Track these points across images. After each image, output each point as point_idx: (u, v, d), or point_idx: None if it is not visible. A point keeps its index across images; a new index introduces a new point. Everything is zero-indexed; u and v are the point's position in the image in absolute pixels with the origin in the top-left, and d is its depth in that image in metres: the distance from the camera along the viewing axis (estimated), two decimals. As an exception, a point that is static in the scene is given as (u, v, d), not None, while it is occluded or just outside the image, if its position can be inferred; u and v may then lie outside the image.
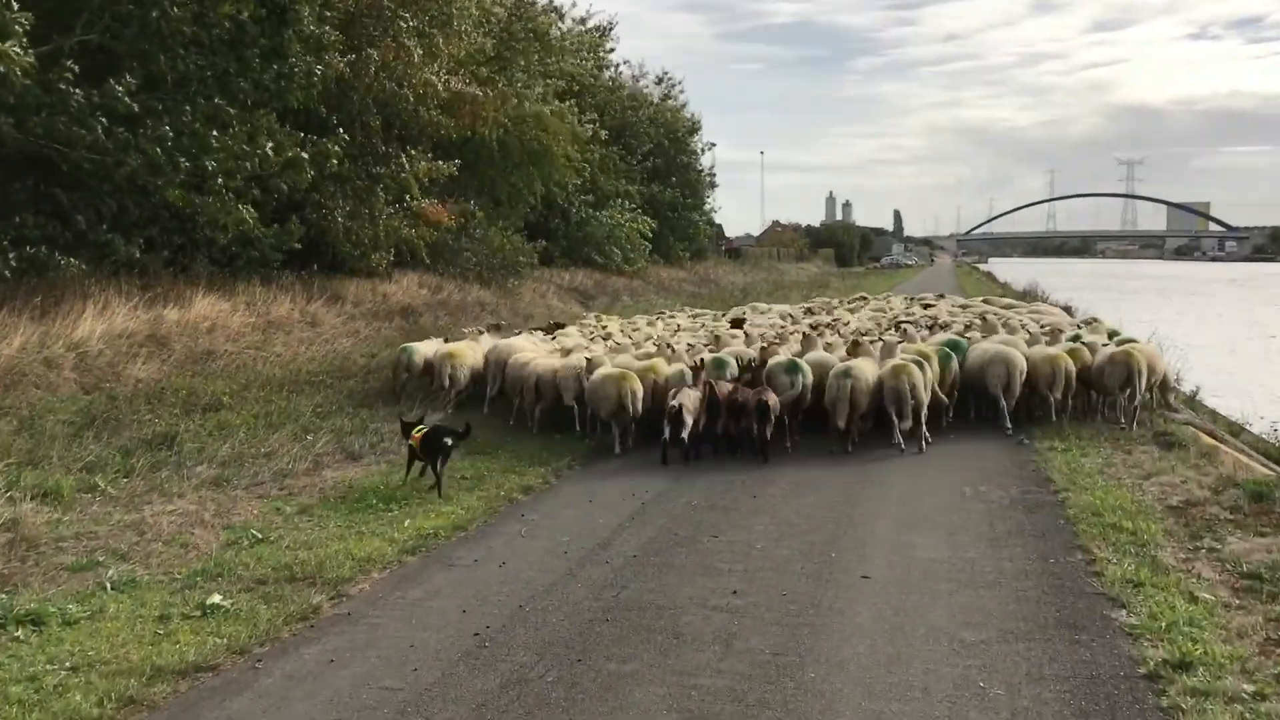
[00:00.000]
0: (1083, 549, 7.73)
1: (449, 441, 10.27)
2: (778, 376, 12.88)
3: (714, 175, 59.27)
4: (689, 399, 11.85)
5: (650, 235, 46.45)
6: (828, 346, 14.83)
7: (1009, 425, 13.28)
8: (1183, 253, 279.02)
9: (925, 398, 12.56)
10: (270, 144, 18.47)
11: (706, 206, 59.96)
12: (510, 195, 34.21)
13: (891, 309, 24.28)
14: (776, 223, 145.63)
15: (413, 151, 25.77)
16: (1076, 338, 15.82)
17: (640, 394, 12.46)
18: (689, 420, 11.62)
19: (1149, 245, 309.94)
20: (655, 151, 51.20)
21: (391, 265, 26.73)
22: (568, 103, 38.36)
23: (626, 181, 46.99)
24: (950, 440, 12.93)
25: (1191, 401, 19.70)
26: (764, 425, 11.96)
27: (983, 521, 8.73)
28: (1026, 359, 13.83)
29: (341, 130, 20.62)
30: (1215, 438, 13.50)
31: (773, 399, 12.14)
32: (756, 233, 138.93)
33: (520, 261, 33.03)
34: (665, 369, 13.34)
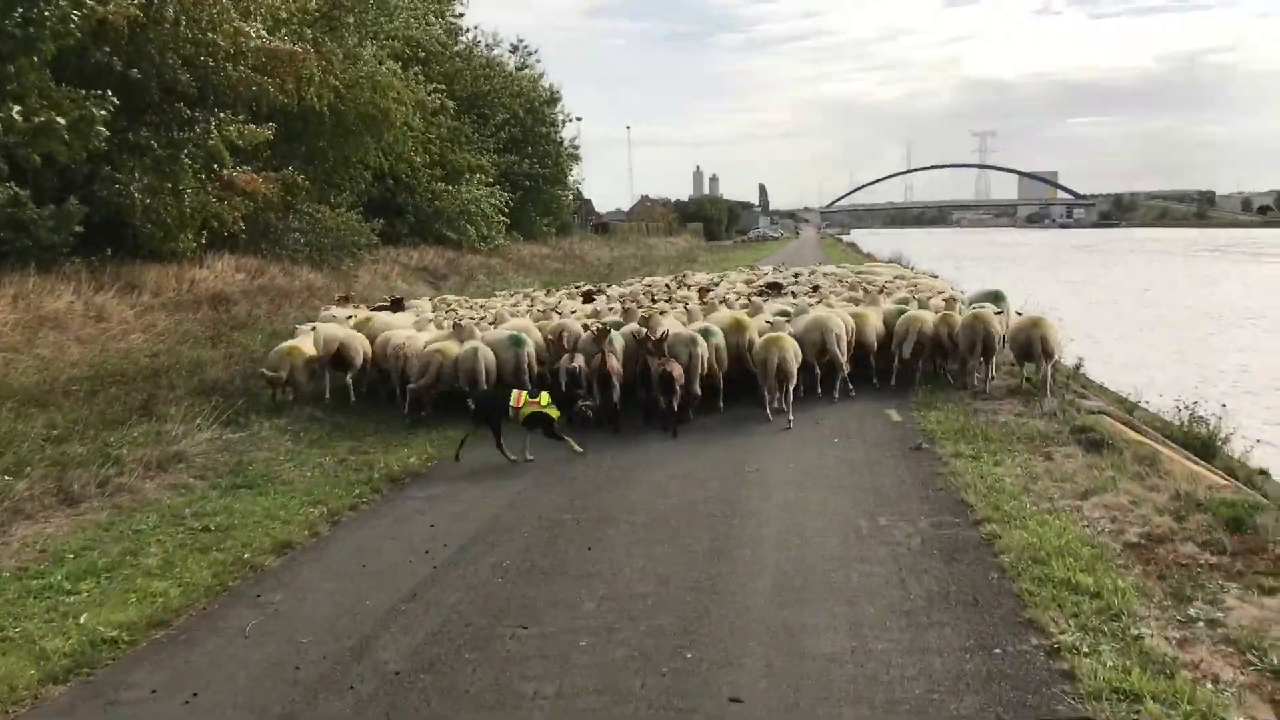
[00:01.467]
0: (1036, 627, 5.51)
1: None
2: (679, 347, 12.54)
3: (577, 148, 56.57)
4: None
5: (507, 210, 43.59)
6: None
7: (836, 392, 13.70)
8: (1034, 220, 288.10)
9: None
10: (17, 107, 15.21)
11: (570, 180, 57.23)
12: (344, 167, 31.06)
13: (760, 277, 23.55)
14: (646, 198, 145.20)
15: (223, 115, 22.51)
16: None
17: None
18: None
19: (1002, 214, 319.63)
20: (512, 122, 48.24)
21: (203, 248, 23.42)
22: (413, 70, 35.32)
23: (481, 154, 43.99)
24: (837, 445, 10.79)
25: (1076, 376, 18.30)
26: (670, 397, 11.95)
27: (891, 580, 6.48)
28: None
29: (110, 92, 17.26)
30: (1134, 429, 11.71)
31: (677, 369, 11.97)
32: (627, 208, 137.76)
33: (356, 241, 29.90)
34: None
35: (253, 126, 22.87)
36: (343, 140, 30.17)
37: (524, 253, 48.12)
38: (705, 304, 15.66)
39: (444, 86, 39.25)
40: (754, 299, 16.37)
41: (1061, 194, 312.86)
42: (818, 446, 10.66)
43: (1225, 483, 8.88)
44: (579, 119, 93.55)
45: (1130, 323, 37.98)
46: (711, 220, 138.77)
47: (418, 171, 37.74)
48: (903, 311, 14.70)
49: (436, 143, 38.79)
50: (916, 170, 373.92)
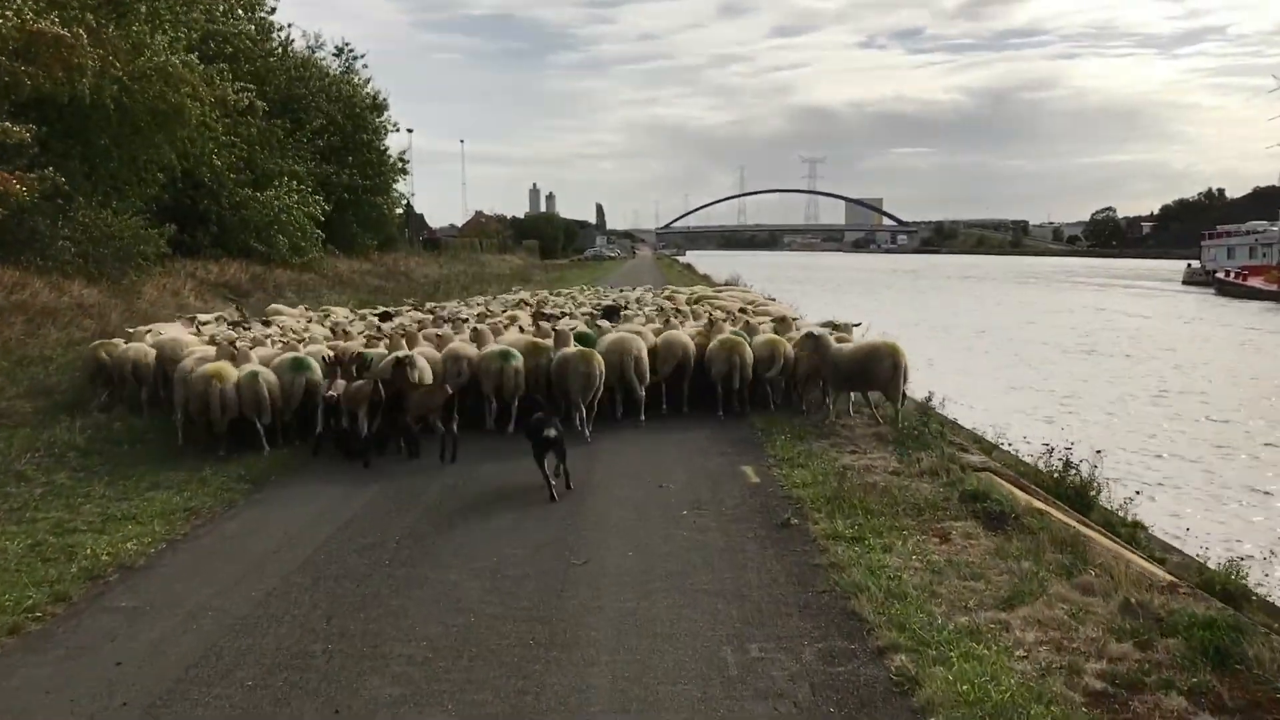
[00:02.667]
0: None
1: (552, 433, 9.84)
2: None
3: (405, 160, 53.46)
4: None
5: (323, 221, 40.33)
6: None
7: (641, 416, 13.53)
8: (860, 245, 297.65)
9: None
10: None
11: (395, 192, 53.99)
12: (130, 168, 27.60)
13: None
14: (480, 213, 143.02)
15: (-32, 107, 19.25)
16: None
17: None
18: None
19: (830, 238, 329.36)
20: (330, 129, 44.97)
21: (-60, 259, 20.01)
22: (217, 66, 31.98)
23: (295, 160, 40.64)
24: (686, 518, 8.72)
25: (928, 410, 16.99)
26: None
27: (779, 769, 4.41)
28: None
29: None
30: (1021, 488, 10.09)
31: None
32: (461, 223, 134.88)
33: (143, 251, 26.41)
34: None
35: (7, 124, 19.58)
36: (130, 138, 26.77)
37: (342, 268, 44.79)
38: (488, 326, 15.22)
39: (253, 86, 35.94)
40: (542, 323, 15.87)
41: (886, 220, 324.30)
42: (663, 520, 8.59)
43: (1172, 579, 7.20)
44: (409, 130, 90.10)
45: (969, 352, 37.75)
46: (547, 238, 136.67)
47: (221, 175, 34.30)
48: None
49: (243, 145, 35.43)
50: (749, 194, 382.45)
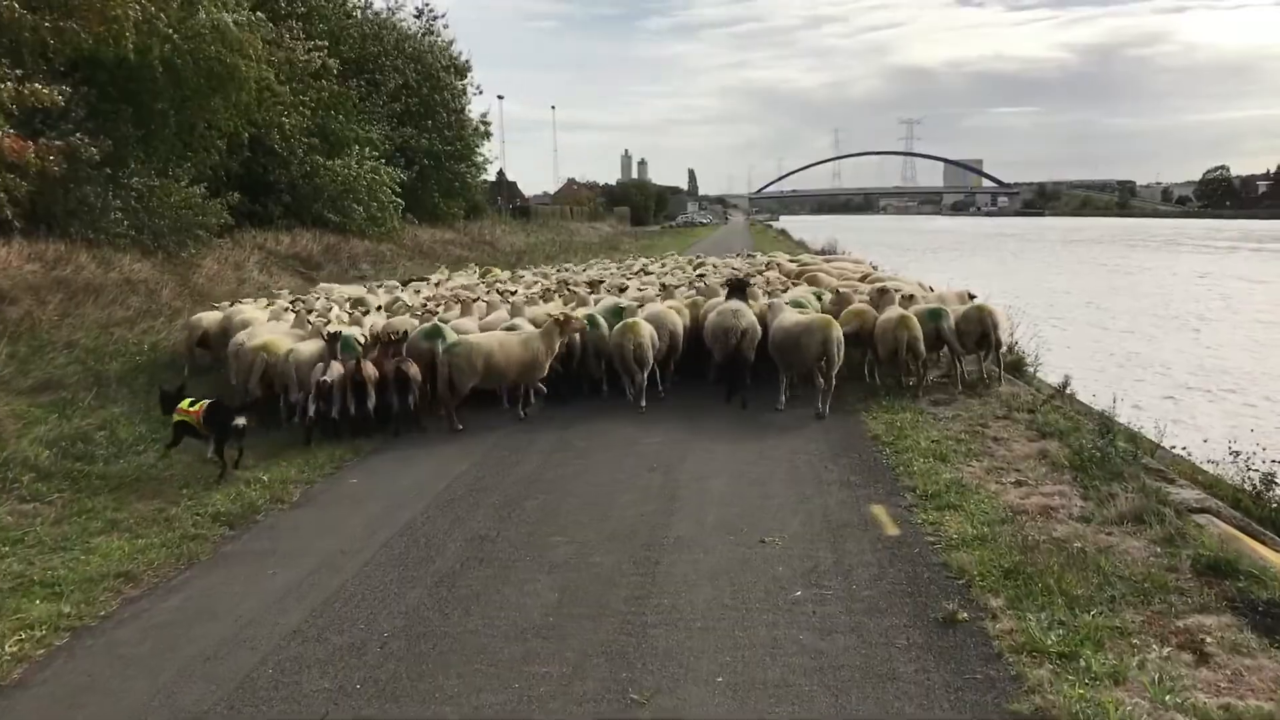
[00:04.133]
0: None
1: (242, 423, 9.67)
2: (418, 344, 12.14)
3: (487, 123, 51.35)
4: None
5: (401, 189, 38.50)
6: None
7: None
8: (959, 208, 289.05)
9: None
10: None
11: (479, 158, 51.99)
12: (188, 133, 25.88)
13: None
14: (572, 181, 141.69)
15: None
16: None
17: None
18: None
19: (927, 201, 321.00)
20: (408, 91, 43.10)
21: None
22: (287, 25, 30.20)
23: (370, 125, 38.79)
24: (800, 601, 6.21)
25: (1064, 395, 14.35)
26: (404, 397, 11.59)
27: None
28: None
29: None
30: (1254, 536, 7.38)
31: (413, 369, 11.56)
32: (553, 191, 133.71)
33: (202, 221, 24.70)
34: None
35: (39, 87, 17.79)
36: (186, 102, 25.01)
37: (423, 237, 43.07)
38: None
39: (325, 43, 34.10)
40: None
41: (986, 182, 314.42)
42: (768, 607, 6.04)
43: None
44: (500, 97, 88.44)
45: (1088, 325, 34.33)
46: (638, 205, 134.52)
47: (291, 141, 32.57)
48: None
49: (312, 107, 33.65)
50: (844, 157, 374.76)
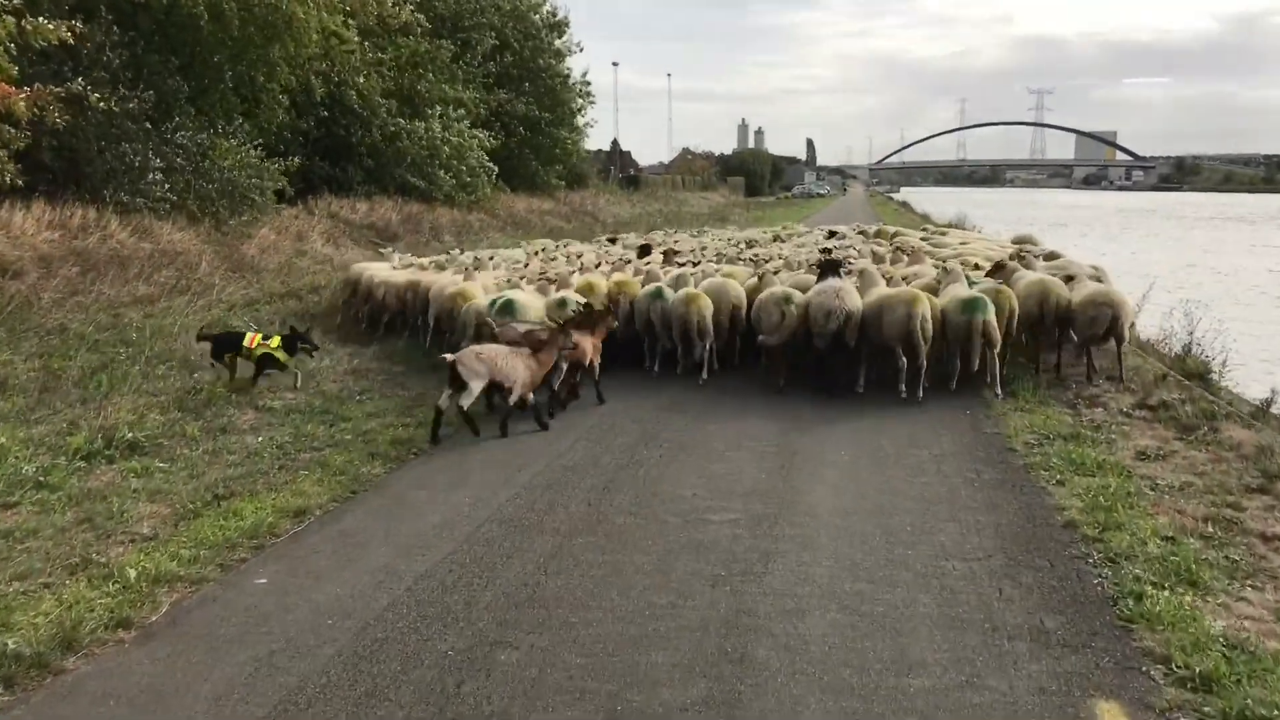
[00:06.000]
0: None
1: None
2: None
3: (587, 83, 48.31)
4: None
5: (495, 155, 35.80)
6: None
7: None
8: (1090, 182, 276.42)
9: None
10: None
11: (580, 122, 49.06)
12: (243, 90, 23.50)
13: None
14: (687, 150, 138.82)
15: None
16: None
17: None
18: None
19: (1056, 174, 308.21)
20: (504, 51, 40.33)
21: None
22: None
23: (463, 87, 36.08)
24: None
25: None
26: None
27: None
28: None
29: None
30: None
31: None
32: (668, 161, 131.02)
33: (259, 185, 22.26)
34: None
35: (42, 20, 15.34)
36: (242, 54, 22.57)
37: (518, 207, 40.38)
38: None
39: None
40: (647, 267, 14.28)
41: (1120, 155, 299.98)
42: None
43: None
44: (615, 64, 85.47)
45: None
46: (754, 174, 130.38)
47: (370, 101, 30.07)
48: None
49: (396, 65, 31.13)
50: (969, 128, 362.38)
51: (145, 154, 19.60)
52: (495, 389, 9.45)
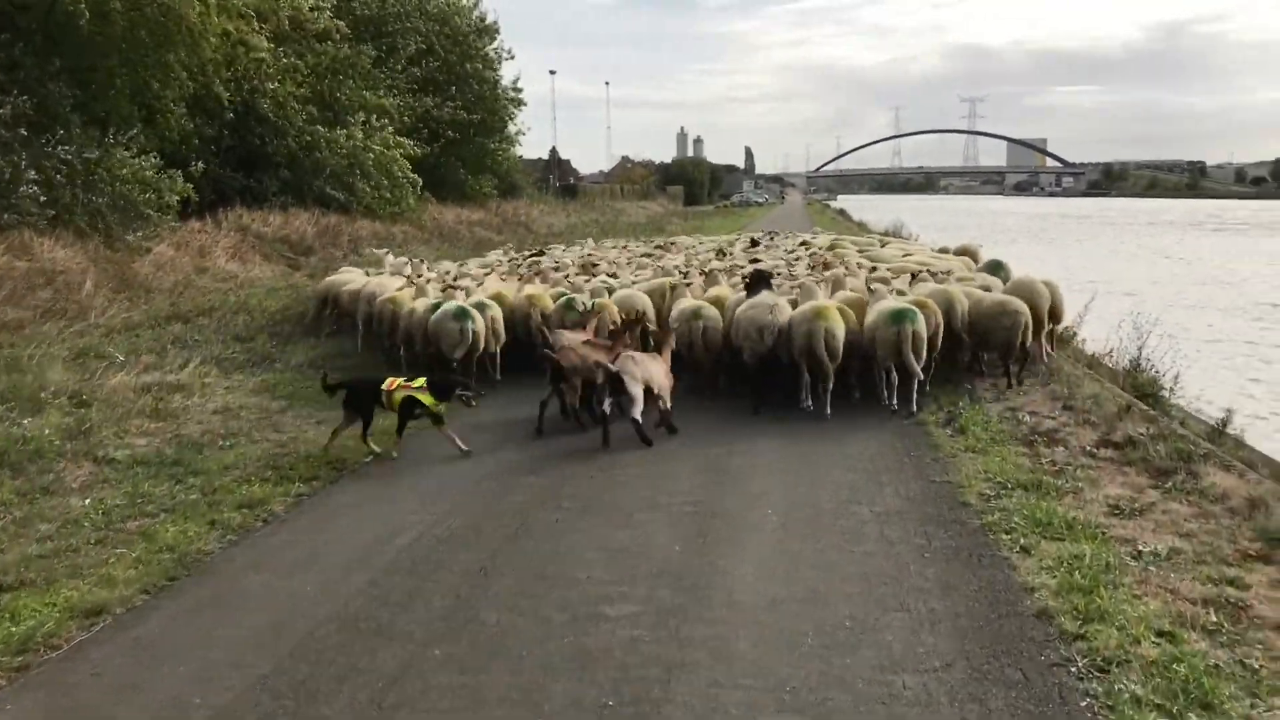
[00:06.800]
0: None
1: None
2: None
3: (519, 90, 46.85)
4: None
5: (419, 164, 34.33)
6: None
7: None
8: (1022, 188, 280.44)
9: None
10: None
11: (513, 130, 47.59)
12: (135, 97, 21.90)
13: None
14: (626, 159, 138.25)
15: None
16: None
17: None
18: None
19: (989, 181, 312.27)
20: (430, 56, 38.85)
21: None
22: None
23: (387, 93, 34.54)
24: None
25: (1223, 440, 10.12)
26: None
27: None
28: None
29: None
30: None
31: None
32: (608, 169, 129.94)
33: (150, 199, 20.63)
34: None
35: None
36: (137, 58, 21.00)
37: (446, 218, 38.88)
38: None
39: (328, 3, 30.04)
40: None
41: (1051, 162, 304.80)
42: None
43: None
44: (552, 72, 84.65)
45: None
46: (693, 183, 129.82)
47: (286, 109, 28.50)
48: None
49: (311, 72, 29.58)
50: (904, 135, 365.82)
51: (18, 164, 17.95)
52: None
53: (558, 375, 9.63)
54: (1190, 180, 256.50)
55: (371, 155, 31.17)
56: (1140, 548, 6.40)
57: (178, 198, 21.35)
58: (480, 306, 11.96)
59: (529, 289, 13.40)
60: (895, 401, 10.44)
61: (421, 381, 9.25)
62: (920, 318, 10.27)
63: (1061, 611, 5.42)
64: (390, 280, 14.79)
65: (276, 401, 11.42)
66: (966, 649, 5.08)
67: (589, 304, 12.08)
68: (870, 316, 10.62)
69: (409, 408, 9.11)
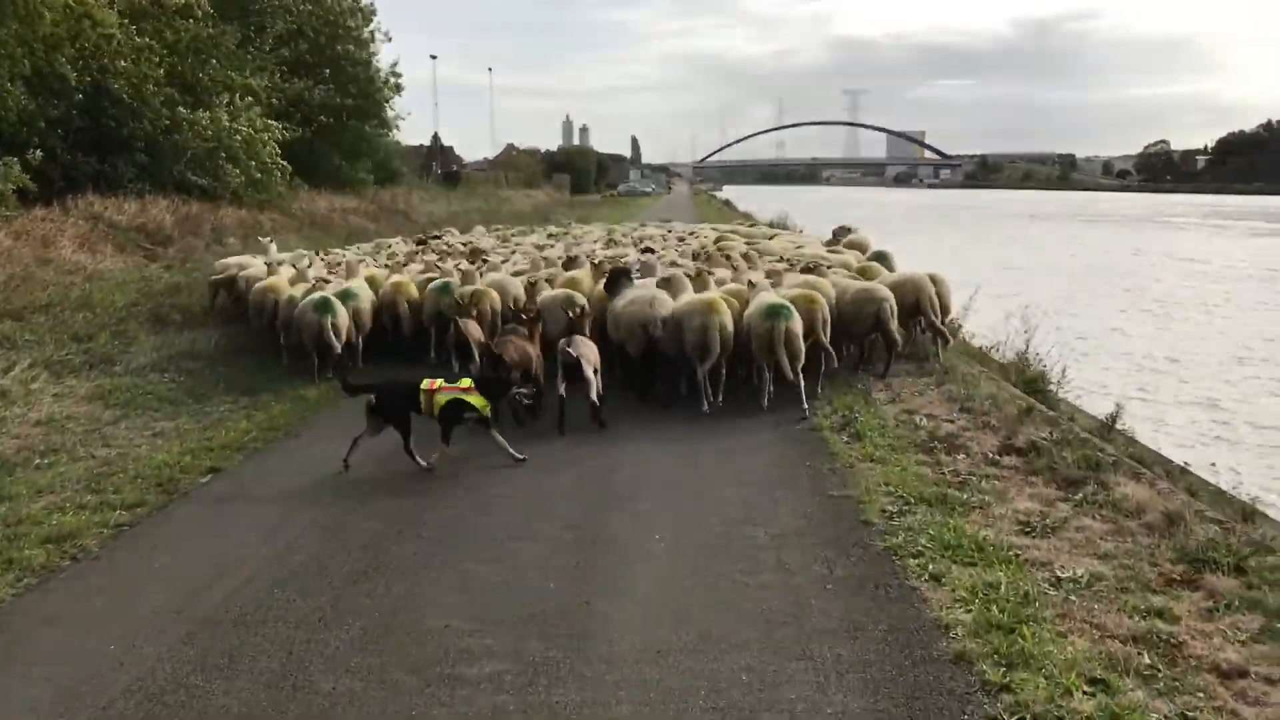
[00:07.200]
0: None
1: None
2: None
3: (398, 75, 45.13)
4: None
5: (288, 149, 32.66)
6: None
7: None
8: (902, 180, 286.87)
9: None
10: None
11: (391, 115, 45.86)
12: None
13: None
14: (511, 146, 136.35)
15: None
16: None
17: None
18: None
19: (870, 173, 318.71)
20: (299, 36, 37.08)
21: None
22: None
23: (250, 74, 32.74)
24: None
25: (1113, 437, 9.97)
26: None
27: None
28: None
29: None
30: None
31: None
32: (493, 157, 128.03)
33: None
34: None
35: None
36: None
37: (318, 205, 37.19)
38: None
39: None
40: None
41: (929, 154, 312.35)
42: None
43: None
44: (433, 57, 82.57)
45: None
46: (579, 172, 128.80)
47: (141, 90, 26.64)
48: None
49: (171, 51, 27.78)
50: (788, 127, 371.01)
51: None
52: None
53: (505, 367, 9.06)
54: (1062, 173, 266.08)
55: (239, 137, 29.48)
56: (1059, 573, 5.86)
57: (13, 187, 19.65)
58: (346, 295, 12.09)
59: (395, 278, 13.38)
60: (766, 402, 10.24)
61: (468, 382, 8.35)
62: (795, 315, 9.99)
63: (981, 655, 4.81)
64: (285, 270, 14.41)
65: (110, 410, 10.26)
66: (880, 707, 4.43)
67: (467, 292, 11.89)
68: (748, 310, 10.38)
69: (456, 412, 8.17)
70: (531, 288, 12.29)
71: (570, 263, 14.48)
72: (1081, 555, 6.16)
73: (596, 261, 14.04)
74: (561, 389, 9.22)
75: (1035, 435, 8.74)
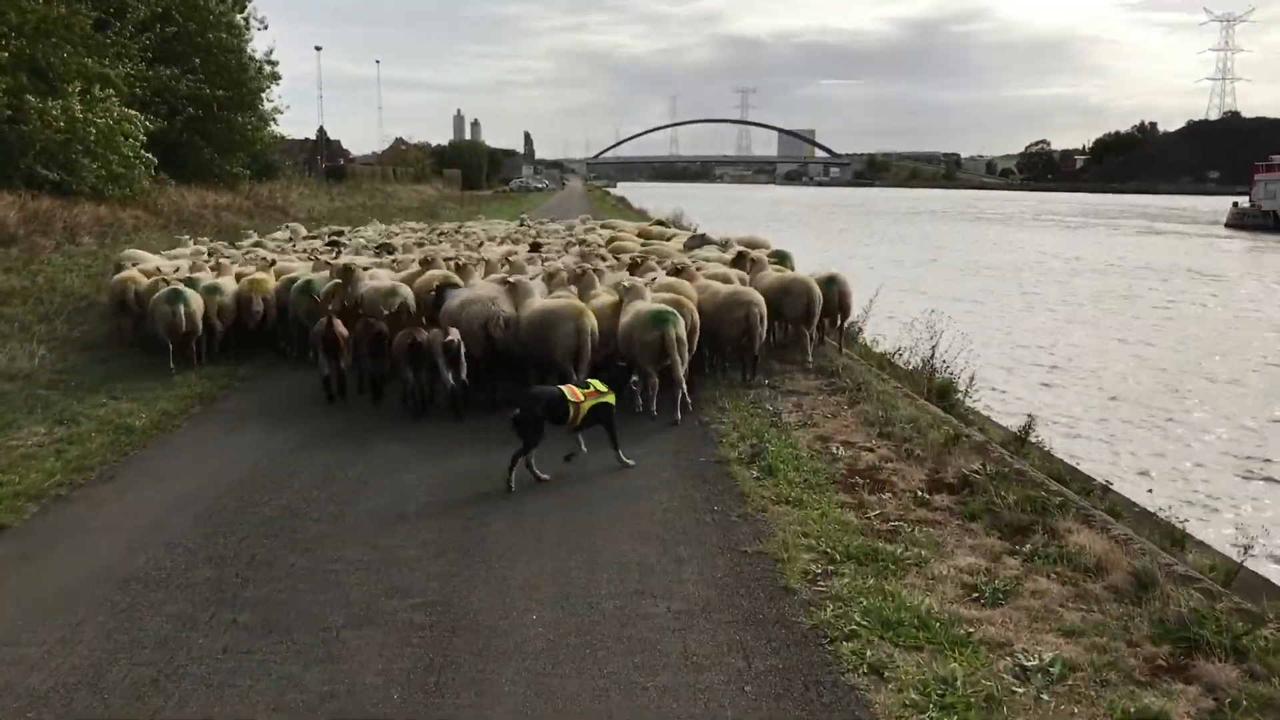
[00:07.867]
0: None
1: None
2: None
3: (274, 65, 42.79)
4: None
5: (151, 140, 30.45)
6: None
7: None
8: (792, 178, 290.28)
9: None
10: None
11: (267, 106, 43.49)
12: None
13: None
14: (400, 140, 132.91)
15: None
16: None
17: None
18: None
19: (761, 170, 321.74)
20: (164, 20, 34.70)
21: None
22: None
23: (111, 60, 30.40)
24: None
25: (1023, 449, 9.22)
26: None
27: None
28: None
29: None
30: None
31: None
32: (381, 151, 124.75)
33: None
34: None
35: None
36: None
37: (188, 201, 34.88)
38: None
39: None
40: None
41: (819, 152, 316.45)
42: None
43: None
44: (318, 48, 79.74)
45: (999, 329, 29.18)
46: (471, 167, 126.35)
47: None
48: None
49: (16, 34, 25.51)
50: (681, 124, 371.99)
51: None
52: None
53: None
54: (947, 171, 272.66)
55: (94, 130, 27.24)
56: (1023, 660, 4.79)
57: None
58: (213, 289, 12.55)
59: (255, 274, 13.53)
60: (655, 409, 9.70)
61: (603, 386, 8.14)
62: (681, 320, 9.64)
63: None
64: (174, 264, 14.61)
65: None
66: None
67: (326, 287, 11.96)
68: (626, 317, 9.81)
69: (600, 416, 8.07)
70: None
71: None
72: (1044, 632, 5.12)
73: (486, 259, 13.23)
74: (449, 378, 9.50)
75: (966, 468, 7.75)
